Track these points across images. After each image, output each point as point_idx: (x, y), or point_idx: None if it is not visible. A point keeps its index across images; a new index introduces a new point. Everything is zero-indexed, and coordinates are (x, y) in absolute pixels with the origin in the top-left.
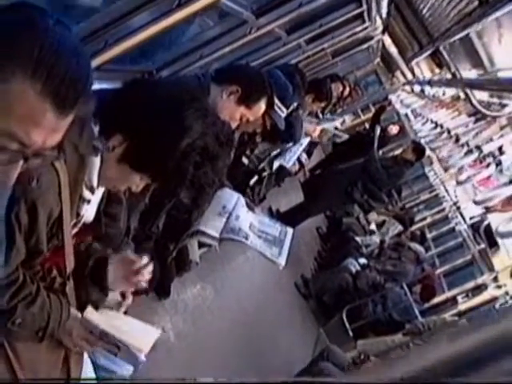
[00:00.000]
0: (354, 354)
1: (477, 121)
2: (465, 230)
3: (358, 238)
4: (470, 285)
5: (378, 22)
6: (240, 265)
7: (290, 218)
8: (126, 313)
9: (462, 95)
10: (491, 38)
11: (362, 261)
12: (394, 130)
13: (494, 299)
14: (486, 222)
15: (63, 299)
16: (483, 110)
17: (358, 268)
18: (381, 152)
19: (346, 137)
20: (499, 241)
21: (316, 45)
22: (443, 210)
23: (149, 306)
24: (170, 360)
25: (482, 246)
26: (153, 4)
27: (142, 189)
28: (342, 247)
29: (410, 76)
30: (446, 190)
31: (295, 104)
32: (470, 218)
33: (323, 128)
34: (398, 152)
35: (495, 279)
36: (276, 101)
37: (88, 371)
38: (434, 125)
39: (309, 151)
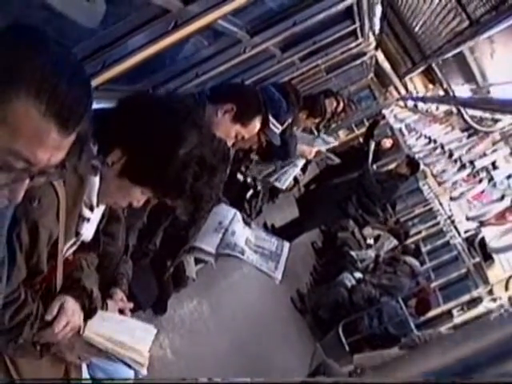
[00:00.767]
0: (351, 368)
1: (469, 136)
2: (459, 244)
3: (353, 253)
4: (466, 298)
5: (371, 38)
6: (236, 280)
7: (285, 233)
8: None
9: (455, 110)
10: (483, 53)
11: (358, 275)
12: (387, 143)
13: (490, 312)
14: (480, 236)
15: None
16: (475, 126)
17: (354, 282)
18: (375, 166)
19: (337, 161)
20: (493, 255)
21: (310, 61)
22: (438, 223)
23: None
24: (168, 376)
25: (477, 259)
26: (149, 26)
27: (141, 206)
28: (337, 262)
29: (403, 91)
30: (441, 204)
31: (289, 121)
32: (465, 232)
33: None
34: (392, 166)
35: (490, 292)
36: (270, 118)
37: None
38: (427, 140)
39: (303, 166)
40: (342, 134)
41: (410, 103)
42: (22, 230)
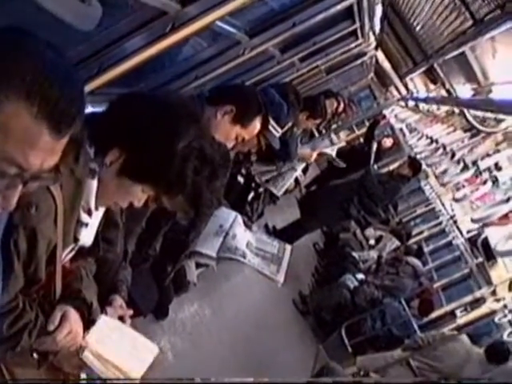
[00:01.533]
0: (354, 370)
1: (472, 136)
2: (462, 244)
3: (355, 254)
4: (469, 298)
5: (372, 38)
6: (237, 283)
7: (286, 234)
8: None
9: (457, 110)
10: (485, 53)
11: (360, 276)
12: (387, 142)
13: (493, 313)
14: (483, 236)
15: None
16: (478, 126)
17: (356, 284)
18: (376, 166)
19: (342, 165)
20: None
21: (310, 62)
22: (440, 223)
23: (146, 326)
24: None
25: (480, 259)
26: (147, 28)
27: (140, 210)
28: (339, 263)
29: (404, 91)
30: (443, 204)
31: (290, 124)
32: (467, 232)
33: (321, 152)
34: (393, 166)
35: (493, 293)
36: (270, 120)
37: None
38: (429, 140)
39: (304, 167)
40: (342, 134)
41: (411, 103)
42: (20, 237)
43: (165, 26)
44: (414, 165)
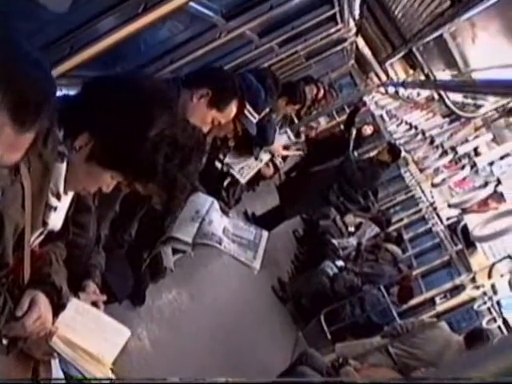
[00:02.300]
0: (333, 357)
1: (451, 122)
2: (442, 231)
3: (334, 241)
4: (448, 286)
5: (351, 23)
6: (216, 269)
7: (265, 221)
8: None
9: (437, 96)
10: (465, 39)
11: (339, 263)
12: (368, 130)
13: (472, 300)
14: (462, 223)
15: None
16: (457, 111)
17: (336, 270)
18: (356, 153)
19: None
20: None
21: (289, 47)
22: (420, 210)
23: (123, 313)
24: (147, 368)
25: (460, 246)
26: (118, 9)
27: (112, 194)
28: (318, 250)
29: (384, 77)
30: (423, 191)
31: (267, 110)
32: (447, 219)
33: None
34: (373, 153)
35: (473, 280)
36: (247, 106)
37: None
38: (408, 126)
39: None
40: (322, 121)
41: (391, 89)
42: None
43: (137, 7)
44: (394, 151)
